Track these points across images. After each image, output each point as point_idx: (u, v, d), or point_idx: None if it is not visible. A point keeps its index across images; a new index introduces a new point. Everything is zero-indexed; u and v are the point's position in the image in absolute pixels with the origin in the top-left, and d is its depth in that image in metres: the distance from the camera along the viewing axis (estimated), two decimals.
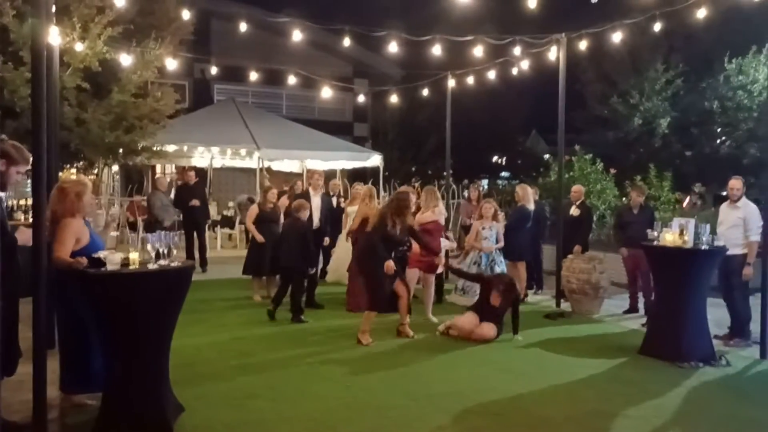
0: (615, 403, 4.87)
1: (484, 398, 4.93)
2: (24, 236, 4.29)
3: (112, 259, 4.20)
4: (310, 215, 8.26)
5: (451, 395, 4.98)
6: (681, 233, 6.28)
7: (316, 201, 8.53)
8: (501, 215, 8.27)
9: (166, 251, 4.51)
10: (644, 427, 4.39)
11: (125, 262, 4.26)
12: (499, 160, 36.55)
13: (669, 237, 6.35)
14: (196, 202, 11.38)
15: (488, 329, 6.74)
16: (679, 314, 6.14)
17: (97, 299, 4.16)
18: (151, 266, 4.30)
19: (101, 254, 4.24)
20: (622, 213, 8.97)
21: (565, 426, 4.41)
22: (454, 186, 17.41)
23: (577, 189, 9.56)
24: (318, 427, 4.33)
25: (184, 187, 11.84)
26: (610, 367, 5.92)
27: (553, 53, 9.50)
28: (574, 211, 9.23)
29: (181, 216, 11.65)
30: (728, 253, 6.48)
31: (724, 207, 7.05)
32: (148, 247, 4.42)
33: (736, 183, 6.89)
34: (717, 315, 7.00)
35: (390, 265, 6.50)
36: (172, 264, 4.41)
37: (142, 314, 4.16)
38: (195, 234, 11.64)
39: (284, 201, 9.13)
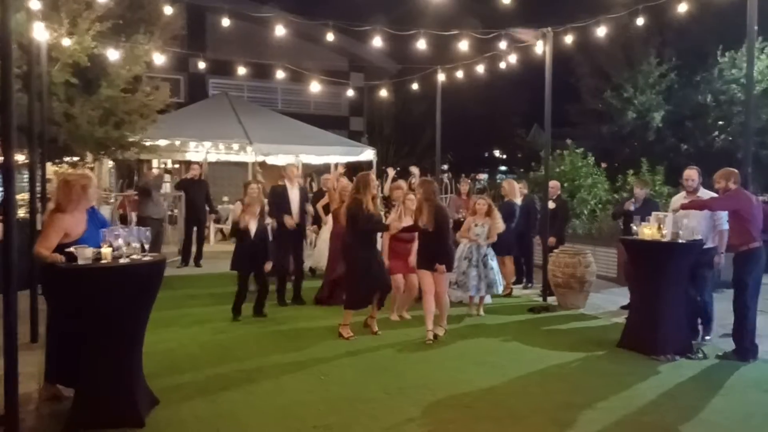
0: (585, 395, 4.91)
1: (457, 390, 4.99)
2: None
3: (83, 254, 4.26)
4: (288, 206, 8.23)
5: (424, 388, 5.03)
6: (659, 227, 6.31)
7: (293, 193, 8.36)
8: (496, 212, 8.24)
9: (138, 246, 4.58)
10: (610, 417, 4.44)
11: (97, 257, 4.32)
12: (500, 154, 36.55)
13: (647, 230, 6.38)
14: (196, 170, 11.53)
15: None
16: (656, 307, 6.17)
17: (68, 293, 4.22)
18: (123, 261, 4.36)
19: (73, 248, 4.30)
20: (624, 204, 8.97)
21: (532, 417, 4.45)
22: (447, 181, 17.47)
23: (553, 184, 9.71)
24: (288, 419, 4.38)
25: (189, 181, 11.90)
26: (587, 360, 5.96)
27: (541, 47, 9.53)
28: (550, 204, 9.33)
29: (183, 210, 11.79)
30: None
31: (681, 199, 6.85)
32: (120, 241, 4.48)
33: (691, 173, 6.76)
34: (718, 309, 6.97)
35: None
36: (144, 258, 4.47)
37: (113, 308, 4.22)
38: (195, 229, 11.75)
39: None
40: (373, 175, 6.93)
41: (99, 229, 4.64)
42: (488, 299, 8.40)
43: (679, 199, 6.94)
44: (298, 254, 8.60)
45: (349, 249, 6.76)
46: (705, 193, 6.71)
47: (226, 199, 17.00)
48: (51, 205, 4.64)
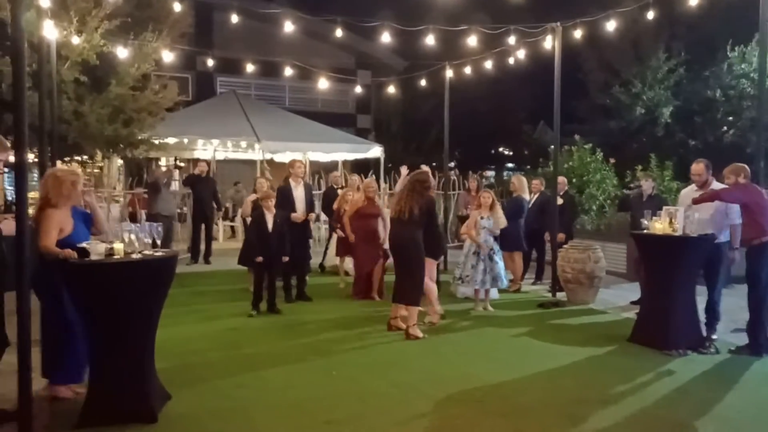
0: (596, 390, 4.90)
1: (467, 386, 4.98)
2: (9, 227, 4.36)
3: (96, 249, 4.27)
4: (293, 205, 8.20)
5: (434, 383, 5.03)
6: (670, 221, 6.28)
7: (298, 192, 8.30)
8: (498, 207, 8.26)
9: (150, 242, 4.60)
10: (623, 413, 4.42)
11: (110, 252, 4.34)
12: (506, 151, 36.44)
13: (659, 225, 6.35)
14: (203, 168, 11.50)
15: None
16: (667, 302, 6.14)
17: (81, 289, 4.23)
18: (135, 256, 4.38)
19: (85, 244, 4.32)
20: (632, 199, 8.95)
21: (543, 413, 4.45)
22: (454, 177, 17.44)
23: (560, 180, 9.67)
24: (299, 415, 4.40)
25: (195, 178, 11.93)
26: (597, 356, 5.94)
27: (550, 42, 9.49)
28: (558, 200, 9.29)
29: (191, 207, 11.80)
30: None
31: (692, 193, 6.75)
32: (133, 237, 4.50)
33: (698, 168, 6.67)
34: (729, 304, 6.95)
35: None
36: (156, 254, 4.49)
37: (125, 304, 4.23)
38: (203, 226, 11.79)
39: None
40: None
41: (83, 222, 4.65)
42: (495, 294, 8.38)
43: (689, 191, 6.88)
44: (304, 252, 8.56)
45: (414, 244, 6.59)
46: (718, 186, 6.60)
47: (230, 193, 17.03)
48: (38, 202, 4.59)
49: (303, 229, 8.40)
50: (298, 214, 8.23)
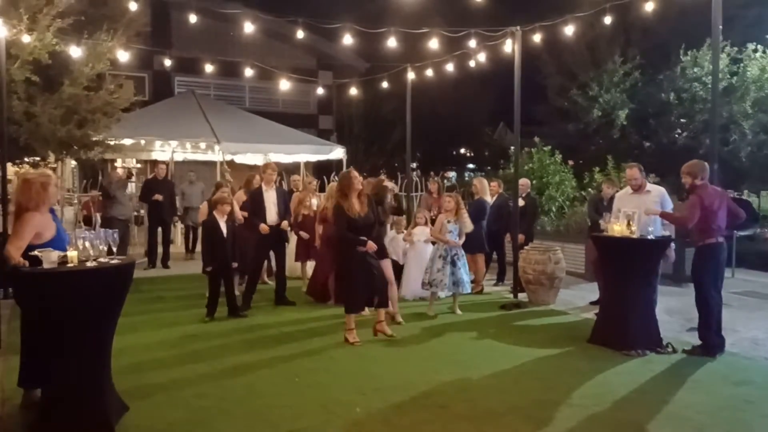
0: (559, 392, 4.94)
1: (432, 390, 4.97)
2: None
3: (49, 257, 4.12)
4: (264, 210, 8.03)
5: (399, 388, 5.00)
6: (628, 223, 6.40)
7: (270, 196, 8.13)
8: (463, 211, 8.24)
9: (105, 249, 4.46)
10: (585, 414, 4.47)
11: (63, 260, 4.19)
12: (467, 153, 36.71)
13: (617, 227, 6.46)
14: (159, 197, 11.25)
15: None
16: (626, 303, 6.25)
17: (33, 298, 4.08)
18: (90, 264, 4.24)
19: (37, 252, 4.16)
20: (596, 202, 9.10)
21: (508, 416, 4.46)
22: (417, 179, 17.51)
23: (523, 182, 9.77)
24: (261, 425, 4.31)
25: (153, 181, 11.70)
26: (559, 357, 6.01)
27: (510, 46, 9.58)
28: (520, 202, 9.39)
29: (147, 210, 11.57)
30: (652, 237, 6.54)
31: (627, 197, 7.01)
32: (87, 244, 4.35)
33: (632, 173, 6.93)
34: (669, 304, 7.12)
35: (371, 245, 6.39)
36: (112, 261, 4.35)
37: (79, 313, 4.08)
38: (161, 230, 11.55)
39: (240, 196, 8.97)
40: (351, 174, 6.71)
41: (61, 230, 4.52)
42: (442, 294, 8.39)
43: (624, 195, 7.11)
44: (280, 256, 8.39)
45: (338, 246, 6.61)
46: (654, 189, 6.94)
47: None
48: (12, 208, 4.49)
49: (278, 233, 8.20)
50: (271, 219, 8.07)
